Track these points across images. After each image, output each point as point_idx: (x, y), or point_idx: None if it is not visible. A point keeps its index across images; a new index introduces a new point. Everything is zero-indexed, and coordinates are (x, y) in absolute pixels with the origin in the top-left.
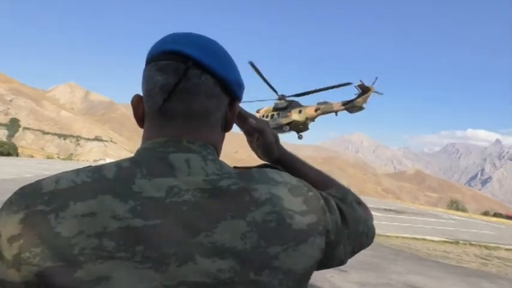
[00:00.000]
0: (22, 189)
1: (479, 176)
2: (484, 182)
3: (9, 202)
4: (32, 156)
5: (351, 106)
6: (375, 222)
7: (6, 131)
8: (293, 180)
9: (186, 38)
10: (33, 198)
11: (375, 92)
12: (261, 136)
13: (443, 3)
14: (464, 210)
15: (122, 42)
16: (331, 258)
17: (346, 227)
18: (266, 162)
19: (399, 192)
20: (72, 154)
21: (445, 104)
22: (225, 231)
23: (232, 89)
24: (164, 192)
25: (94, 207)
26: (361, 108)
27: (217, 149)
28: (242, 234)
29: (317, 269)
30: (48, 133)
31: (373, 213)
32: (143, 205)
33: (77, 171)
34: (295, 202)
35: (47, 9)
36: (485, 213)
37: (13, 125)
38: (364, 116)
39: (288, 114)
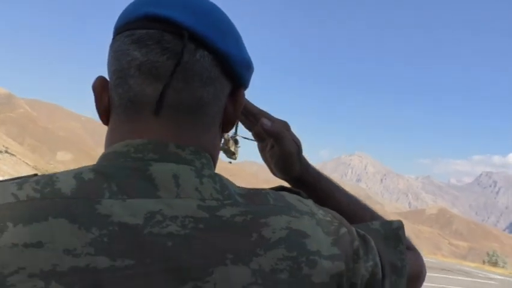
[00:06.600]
0: None
1: None
2: None
3: None
4: None
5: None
6: None
7: None
8: (320, 210)
9: None
10: None
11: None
12: (276, 143)
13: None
14: (504, 265)
15: (31, 10)
16: None
17: (386, 279)
18: (282, 183)
19: (415, 238)
20: None
21: (480, 121)
22: (221, 281)
23: (236, 71)
24: (142, 219)
25: (42, 234)
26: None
27: (213, 157)
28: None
29: None
30: None
31: None
32: (111, 235)
33: (19, 182)
34: (324, 242)
35: None
36: None
37: None
38: (370, 133)
39: None
